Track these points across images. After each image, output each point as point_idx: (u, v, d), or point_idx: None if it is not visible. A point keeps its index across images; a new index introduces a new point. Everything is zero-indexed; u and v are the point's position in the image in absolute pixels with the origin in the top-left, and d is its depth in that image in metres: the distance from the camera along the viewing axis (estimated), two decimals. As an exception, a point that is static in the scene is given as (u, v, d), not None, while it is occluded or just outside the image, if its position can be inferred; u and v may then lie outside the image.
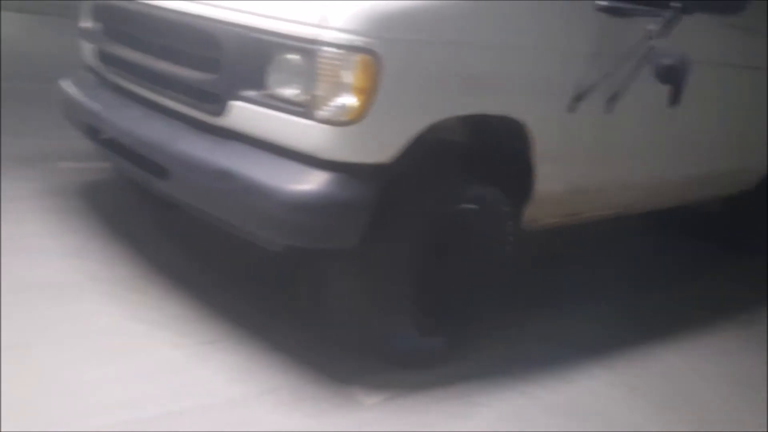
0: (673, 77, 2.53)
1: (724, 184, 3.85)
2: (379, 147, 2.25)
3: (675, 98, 2.93)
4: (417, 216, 2.42)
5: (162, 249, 3.31)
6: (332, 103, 2.16)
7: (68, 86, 3.22)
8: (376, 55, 2.13)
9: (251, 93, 2.31)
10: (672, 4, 2.58)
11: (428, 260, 2.51)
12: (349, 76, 2.13)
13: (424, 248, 2.47)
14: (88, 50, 3.20)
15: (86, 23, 3.21)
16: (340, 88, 2.14)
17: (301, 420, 2.30)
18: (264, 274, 3.26)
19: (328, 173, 2.22)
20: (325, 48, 2.12)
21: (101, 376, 2.37)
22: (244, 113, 2.34)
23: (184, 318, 2.77)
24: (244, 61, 2.30)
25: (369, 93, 2.15)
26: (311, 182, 2.21)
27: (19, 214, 3.50)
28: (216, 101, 2.39)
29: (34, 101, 5.44)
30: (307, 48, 2.15)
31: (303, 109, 2.20)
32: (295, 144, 2.25)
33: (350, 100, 2.15)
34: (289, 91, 2.24)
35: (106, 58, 3.00)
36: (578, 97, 2.67)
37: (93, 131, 2.95)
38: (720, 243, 4.30)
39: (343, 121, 2.16)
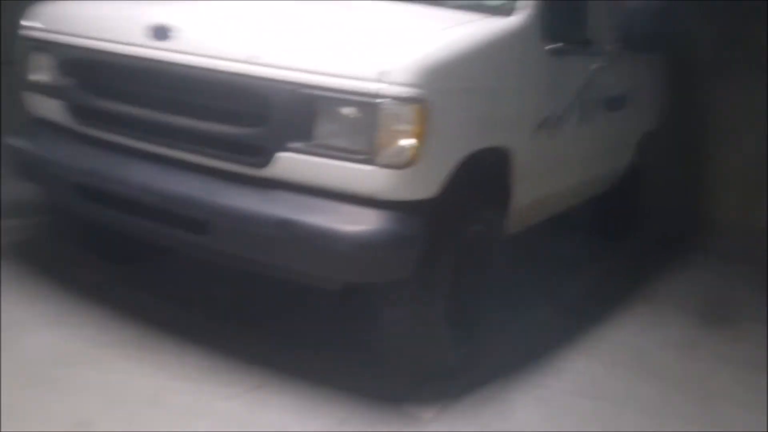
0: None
1: (605, 181, 4.54)
2: (429, 183, 2.50)
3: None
4: (453, 239, 2.70)
5: (141, 302, 3.21)
6: (392, 149, 2.36)
7: (28, 144, 3.02)
8: (428, 103, 2.38)
9: (300, 144, 2.43)
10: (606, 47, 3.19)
11: (454, 279, 2.80)
12: (407, 124, 2.36)
13: (454, 268, 2.76)
14: (45, 104, 3.02)
15: (40, 76, 3.03)
16: (398, 134, 2.36)
17: (384, 443, 2.48)
18: (255, 311, 3.32)
19: (386, 212, 2.42)
20: (385, 100, 2.33)
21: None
22: (292, 164, 2.45)
23: (215, 369, 2.77)
24: (294, 115, 2.41)
25: (423, 137, 2.39)
26: (373, 222, 2.40)
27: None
28: (260, 154, 2.47)
29: None
30: (367, 101, 2.34)
31: (362, 156, 2.38)
32: (352, 188, 2.42)
33: (408, 145, 2.37)
34: (345, 140, 2.40)
35: (84, 113, 2.87)
36: (541, 125, 3.13)
37: (80, 190, 2.81)
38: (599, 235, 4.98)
39: (402, 163, 2.38)
